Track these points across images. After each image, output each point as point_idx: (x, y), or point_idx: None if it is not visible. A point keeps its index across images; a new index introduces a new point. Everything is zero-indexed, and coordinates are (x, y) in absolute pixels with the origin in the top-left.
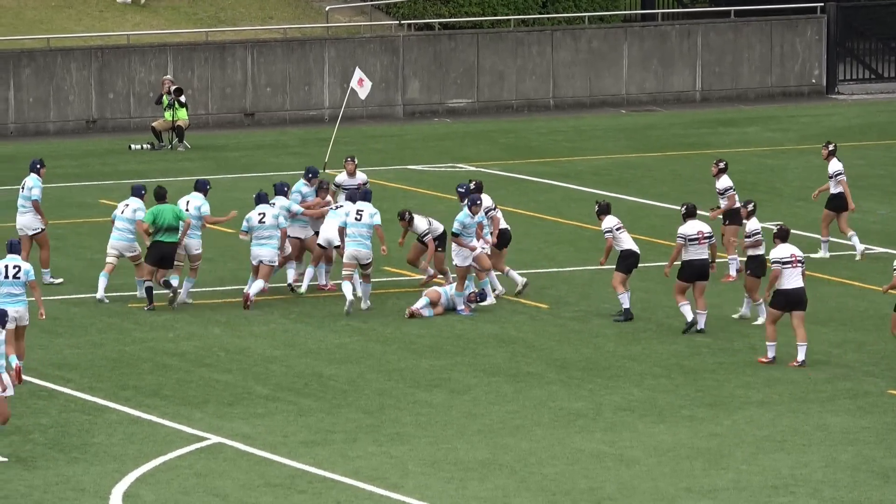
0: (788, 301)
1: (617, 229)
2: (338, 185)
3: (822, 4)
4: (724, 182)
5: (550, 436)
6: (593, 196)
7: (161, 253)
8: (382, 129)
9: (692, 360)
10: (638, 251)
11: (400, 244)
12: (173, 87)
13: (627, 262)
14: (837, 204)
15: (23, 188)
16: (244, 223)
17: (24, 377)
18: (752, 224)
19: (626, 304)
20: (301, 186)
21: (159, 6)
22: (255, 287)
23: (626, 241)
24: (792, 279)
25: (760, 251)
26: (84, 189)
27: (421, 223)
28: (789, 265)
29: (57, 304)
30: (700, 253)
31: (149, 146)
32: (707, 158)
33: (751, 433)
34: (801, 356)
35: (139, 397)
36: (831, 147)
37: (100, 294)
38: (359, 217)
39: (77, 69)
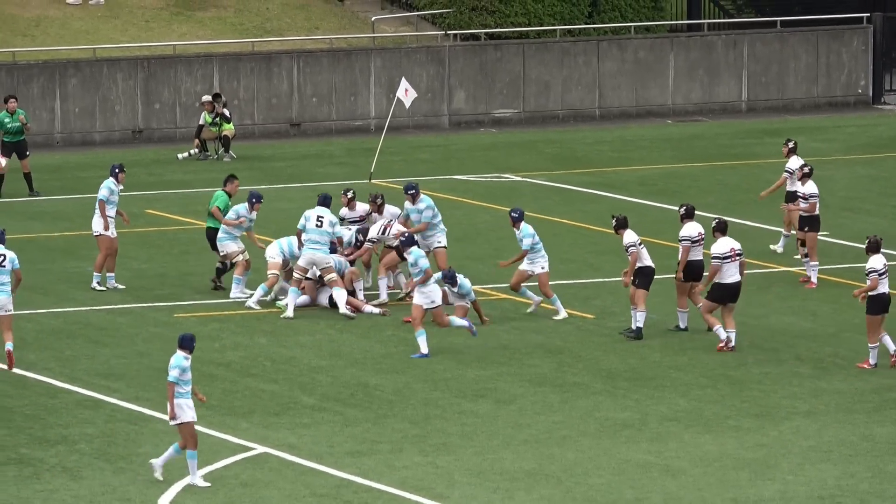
0: (726, 294)
1: (639, 244)
2: (342, 218)
3: (869, 15)
4: (811, 188)
5: (596, 446)
6: (639, 206)
7: (208, 236)
8: (428, 139)
9: (738, 371)
10: (653, 266)
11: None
12: (213, 94)
13: (648, 278)
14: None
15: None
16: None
17: (71, 387)
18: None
19: (640, 323)
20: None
21: (205, 17)
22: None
23: (646, 257)
24: (731, 273)
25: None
26: (130, 199)
27: (391, 211)
28: (729, 259)
29: (103, 315)
30: (698, 255)
31: (196, 150)
32: (753, 169)
33: (797, 444)
34: (732, 341)
35: None
36: (791, 144)
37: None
38: (319, 223)
39: (123, 79)
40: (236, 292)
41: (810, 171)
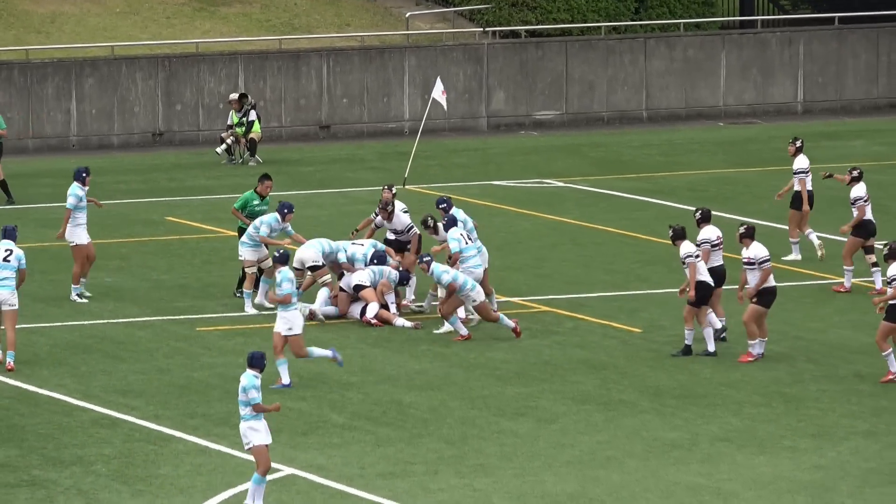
0: (773, 297)
1: (696, 256)
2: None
3: None
4: (856, 192)
5: (644, 467)
6: (689, 213)
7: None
8: (465, 142)
9: (794, 388)
10: (711, 282)
11: (414, 257)
12: (239, 94)
13: (701, 293)
14: (801, 203)
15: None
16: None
17: (86, 404)
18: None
19: (689, 341)
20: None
21: (230, 13)
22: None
23: (703, 271)
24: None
25: None
26: (150, 206)
27: (401, 220)
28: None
29: (121, 328)
30: (719, 259)
31: (230, 141)
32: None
33: (856, 465)
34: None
35: (208, 426)
36: (798, 143)
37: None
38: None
39: (143, 79)
40: (248, 307)
41: (860, 175)
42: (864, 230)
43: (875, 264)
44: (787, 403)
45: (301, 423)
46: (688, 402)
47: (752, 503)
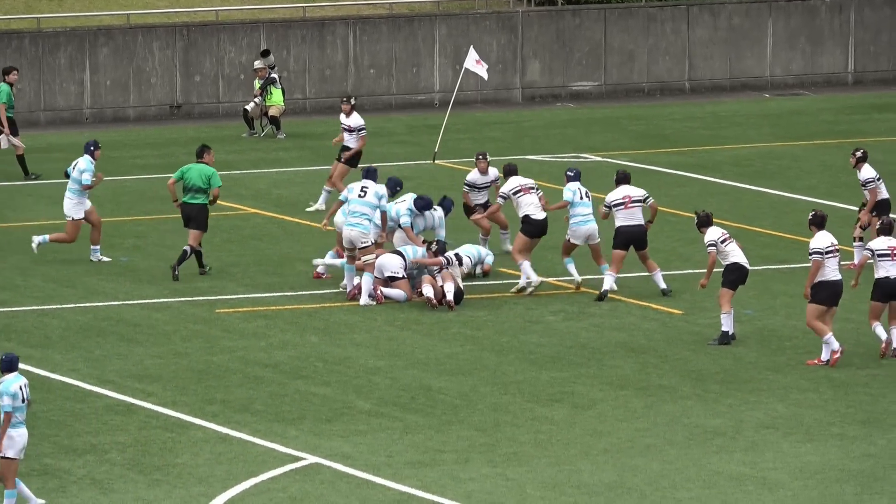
0: (834, 294)
1: (722, 241)
2: (470, 185)
3: None
4: (866, 173)
5: (685, 456)
6: (733, 189)
7: (186, 214)
8: (499, 115)
9: (843, 373)
10: (747, 265)
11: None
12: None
13: (733, 276)
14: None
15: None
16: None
17: (101, 390)
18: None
19: (727, 327)
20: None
21: None
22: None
23: (734, 254)
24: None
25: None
26: (167, 182)
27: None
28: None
29: (137, 310)
30: (630, 219)
31: (257, 100)
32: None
33: None
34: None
35: (227, 413)
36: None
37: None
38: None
39: (160, 48)
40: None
41: (864, 156)
42: (883, 210)
43: (860, 238)
44: (835, 389)
45: (325, 409)
46: (731, 388)
47: (799, 493)
